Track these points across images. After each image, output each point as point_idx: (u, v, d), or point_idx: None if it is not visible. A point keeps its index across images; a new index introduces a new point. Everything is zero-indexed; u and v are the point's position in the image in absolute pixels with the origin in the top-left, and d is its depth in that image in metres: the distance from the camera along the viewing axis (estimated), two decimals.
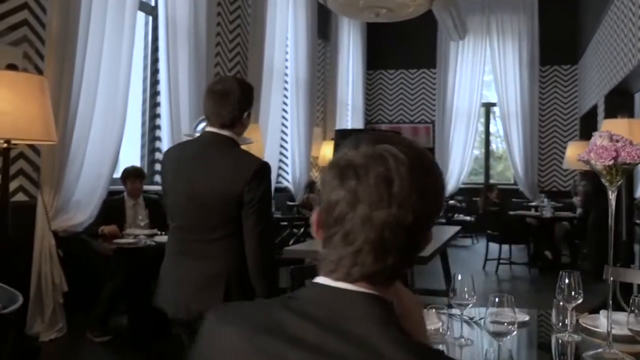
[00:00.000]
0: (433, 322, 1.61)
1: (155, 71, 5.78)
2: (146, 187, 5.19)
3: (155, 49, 5.72)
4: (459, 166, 10.90)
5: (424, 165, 0.83)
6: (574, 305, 1.59)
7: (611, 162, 1.33)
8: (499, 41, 10.61)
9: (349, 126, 10.23)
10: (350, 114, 10.57)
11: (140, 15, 5.77)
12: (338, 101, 9.71)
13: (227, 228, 2.15)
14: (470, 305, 1.55)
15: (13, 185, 4.11)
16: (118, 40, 4.70)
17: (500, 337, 1.38)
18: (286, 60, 7.88)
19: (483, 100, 11.14)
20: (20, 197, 4.19)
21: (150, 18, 5.84)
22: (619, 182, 1.41)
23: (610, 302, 1.47)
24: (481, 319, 1.95)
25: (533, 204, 8.92)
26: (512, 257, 7.28)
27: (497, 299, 1.35)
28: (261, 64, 6.94)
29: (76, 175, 4.42)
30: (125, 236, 4.19)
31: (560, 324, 1.65)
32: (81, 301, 4.28)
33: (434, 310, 1.60)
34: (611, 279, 1.48)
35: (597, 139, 1.37)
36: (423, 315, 1.03)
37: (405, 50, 11.09)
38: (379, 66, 11.42)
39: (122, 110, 4.78)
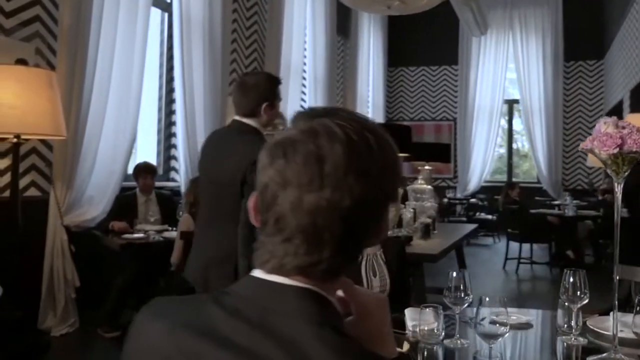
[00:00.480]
0: (428, 322, 1.51)
1: (170, 68, 5.75)
2: (161, 184, 5.17)
3: (171, 46, 5.69)
4: (481, 164, 10.70)
5: (367, 141, 0.72)
6: (579, 305, 1.48)
7: (616, 151, 1.21)
8: (522, 36, 10.37)
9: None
10: (370, 111, 10.44)
11: (157, 12, 5.75)
12: (358, 98, 9.59)
13: (237, 212, 2.25)
14: (466, 304, 1.44)
15: (26, 180, 4.12)
16: (131, 35, 4.68)
17: (491, 339, 1.27)
18: (304, 57, 7.80)
19: (506, 97, 10.92)
20: (32, 192, 4.19)
21: (166, 15, 5.81)
22: (626, 173, 1.29)
23: (616, 302, 1.35)
24: (483, 319, 1.84)
25: (557, 202, 8.70)
26: (534, 256, 7.08)
27: (487, 299, 1.24)
28: (278, 61, 6.87)
29: (89, 171, 4.40)
30: (136, 232, 4.16)
31: (565, 325, 1.53)
32: (93, 296, 4.26)
33: (428, 309, 1.50)
34: (617, 278, 1.36)
35: (602, 126, 1.25)
36: (387, 316, 0.93)
37: (427, 47, 10.92)
38: (400, 63, 11.26)
39: (135, 106, 4.75)
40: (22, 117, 3.32)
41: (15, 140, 3.47)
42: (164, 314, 0.74)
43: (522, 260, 6.91)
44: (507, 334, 1.27)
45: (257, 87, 2.47)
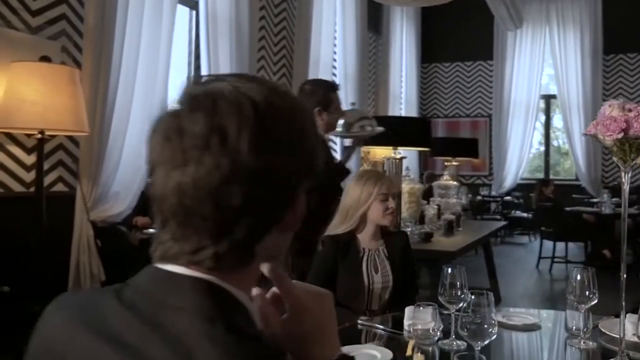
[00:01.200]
0: (425, 321, 1.41)
1: (198, 67, 5.74)
2: None
3: (198, 44, 5.68)
4: (517, 161, 10.40)
5: (243, 109, 0.63)
6: (587, 306, 1.35)
7: (620, 136, 1.08)
8: (559, 30, 10.02)
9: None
10: (403, 107, 10.28)
11: (185, 10, 5.76)
12: (390, 95, 9.45)
13: None
14: (463, 303, 1.33)
15: (53, 176, 4.16)
16: (156, 33, 4.67)
17: (476, 340, 1.16)
18: (334, 53, 7.71)
19: (543, 93, 10.59)
20: (60, 187, 4.23)
21: (194, 13, 5.80)
22: (634, 161, 1.15)
23: (623, 303, 1.22)
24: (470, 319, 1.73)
25: (595, 200, 8.37)
26: (569, 255, 6.82)
27: (473, 297, 1.13)
28: (307, 58, 6.81)
29: (114, 167, 4.41)
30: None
31: (574, 327, 1.40)
32: None
33: (425, 308, 1.40)
34: (624, 276, 1.23)
35: (607, 109, 1.12)
36: (328, 314, 0.84)
37: (461, 42, 10.68)
38: (434, 59, 11.05)
39: (160, 104, 4.75)
40: (44, 114, 3.33)
41: (39, 136, 3.50)
42: (66, 306, 0.69)
43: (556, 260, 6.66)
44: (495, 336, 1.15)
45: (311, 93, 2.72)
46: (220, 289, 0.65)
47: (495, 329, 1.16)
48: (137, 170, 4.60)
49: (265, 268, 0.79)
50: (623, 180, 1.18)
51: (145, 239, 3.99)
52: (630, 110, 1.10)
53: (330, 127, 2.73)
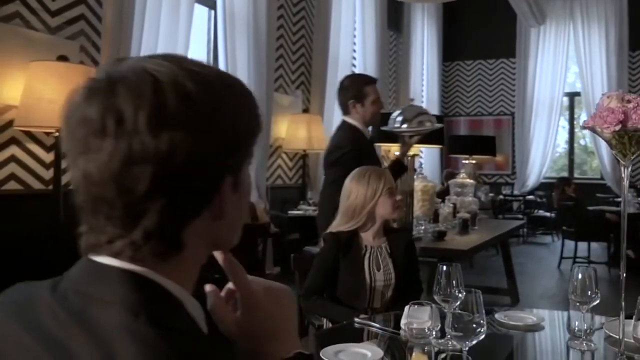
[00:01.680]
0: (422, 320, 1.36)
1: (217, 65, 5.75)
2: None
3: (217, 44, 5.69)
4: (540, 159, 10.21)
5: (142, 88, 0.59)
6: (589, 306, 1.29)
7: (618, 128, 1.03)
8: (583, 26, 9.79)
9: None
10: (424, 106, 10.17)
11: (204, 9, 5.78)
12: (411, 94, 9.35)
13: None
14: (458, 302, 1.28)
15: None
16: (174, 32, 4.70)
17: (463, 340, 1.11)
18: (354, 52, 7.66)
19: (567, 90, 10.37)
20: None
21: (213, 12, 5.81)
22: (635, 155, 1.10)
23: (623, 304, 1.16)
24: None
25: (620, 199, 8.17)
26: (591, 255, 6.66)
27: (461, 294, 1.09)
28: (326, 56, 6.78)
29: None
30: None
31: (577, 328, 1.34)
32: None
33: (423, 306, 1.35)
34: (624, 275, 1.17)
35: (605, 100, 1.07)
36: (285, 310, 0.81)
37: (483, 39, 10.52)
38: (456, 57, 10.91)
39: None
40: (59, 111, 3.37)
41: (57, 134, 3.54)
42: (5, 301, 0.66)
43: (578, 260, 6.51)
44: (482, 336, 1.11)
45: (346, 87, 2.91)
46: (148, 281, 0.61)
47: (483, 329, 1.11)
48: None
49: (219, 258, 0.77)
50: (623, 175, 1.12)
51: None
52: (629, 102, 1.04)
53: (368, 120, 2.81)
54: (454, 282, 1.31)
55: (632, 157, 1.10)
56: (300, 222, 5.33)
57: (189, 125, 0.60)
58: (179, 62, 0.64)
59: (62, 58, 3.73)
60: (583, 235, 6.49)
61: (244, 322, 0.77)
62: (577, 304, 1.31)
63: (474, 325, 1.10)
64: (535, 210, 9.47)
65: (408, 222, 3.12)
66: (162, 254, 0.62)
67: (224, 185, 0.64)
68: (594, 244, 6.81)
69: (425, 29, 9.95)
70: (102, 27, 4.28)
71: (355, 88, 2.82)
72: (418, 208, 3.35)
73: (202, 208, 0.64)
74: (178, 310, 0.63)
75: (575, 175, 10.41)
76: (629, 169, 1.12)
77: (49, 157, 3.92)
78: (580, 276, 1.29)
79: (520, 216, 8.94)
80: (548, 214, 9.08)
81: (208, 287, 0.79)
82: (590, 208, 7.04)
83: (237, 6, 5.48)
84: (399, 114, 3.10)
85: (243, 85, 0.70)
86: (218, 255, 0.76)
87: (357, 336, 1.60)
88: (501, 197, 9.48)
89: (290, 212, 5.81)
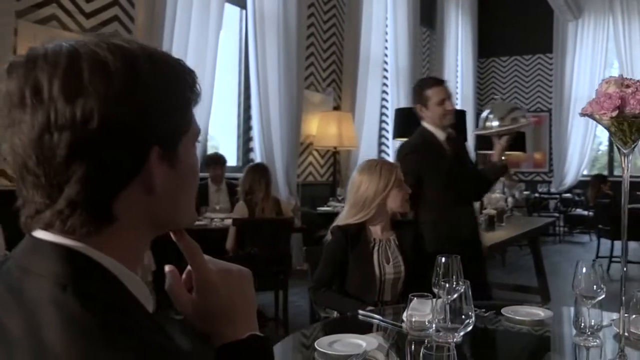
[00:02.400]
0: (424, 312, 1.34)
1: (247, 64, 5.79)
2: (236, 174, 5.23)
3: (248, 42, 5.73)
4: (578, 156, 9.92)
5: (51, 60, 0.61)
6: (594, 302, 1.24)
7: (615, 114, 0.98)
8: (623, 19, 9.45)
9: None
10: (459, 103, 10.01)
11: (235, 9, 5.83)
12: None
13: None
14: (456, 294, 1.25)
15: None
16: (204, 32, 4.75)
17: (450, 332, 1.08)
18: (385, 49, 7.60)
19: None
20: None
21: (244, 12, 5.86)
22: (636, 143, 1.04)
23: (622, 298, 1.11)
24: (485, 312, 1.63)
25: None
26: (629, 255, 6.40)
27: (447, 285, 1.06)
28: (357, 53, 6.75)
29: None
30: (203, 219, 4.22)
31: (582, 324, 1.29)
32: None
33: (427, 299, 1.33)
34: (625, 269, 1.11)
35: (603, 86, 1.02)
36: (242, 293, 0.80)
37: (519, 35, 10.28)
38: (491, 54, 10.70)
39: (207, 100, 4.82)
40: None
41: None
42: None
43: (614, 259, 6.29)
44: (470, 327, 1.07)
45: (413, 92, 2.92)
46: (79, 254, 0.62)
47: (471, 320, 1.08)
48: None
49: (174, 238, 0.77)
50: (623, 165, 1.07)
51: (187, 230, 4.05)
52: (628, 87, 0.99)
53: (438, 122, 2.77)
54: (452, 274, 1.28)
55: (633, 145, 1.04)
56: (330, 219, 5.30)
57: (103, 93, 0.60)
58: (105, 38, 0.65)
59: None
60: (619, 234, 6.24)
61: (199, 302, 0.77)
62: (584, 299, 1.26)
63: (463, 317, 1.07)
64: (573, 209, 9.20)
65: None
66: (92, 224, 0.62)
67: (150, 156, 0.64)
68: (632, 243, 6.57)
69: (460, 25, 9.78)
70: (135, 27, 4.37)
71: (419, 92, 2.83)
72: None
73: (128, 179, 0.64)
74: (110, 284, 0.63)
75: (617, 173, 10.07)
76: (630, 158, 1.07)
77: None
78: (584, 270, 1.24)
79: (556, 214, 8.71)
80: (585, 213, 8.81)
81: (167, 268, 0.79)
82: (629, 206, 6.78)
83: (267, 5, 5.50)
84: (489, 113, 2.88)
85: (174, 62, 0.70)
86: (172, 235, 0.76)
87: (360, 328, 1.57)
88: (536, 195, 9.25)
89: (319, 208, 5.81)
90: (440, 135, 2.80)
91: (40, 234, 0.63)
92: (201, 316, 0.77)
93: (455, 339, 1.12)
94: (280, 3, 5.57)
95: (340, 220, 2.21)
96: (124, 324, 0.58)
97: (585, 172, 10.03)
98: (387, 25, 7.59)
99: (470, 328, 1.11)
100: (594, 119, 1.06)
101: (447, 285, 1.25)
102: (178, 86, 0.68)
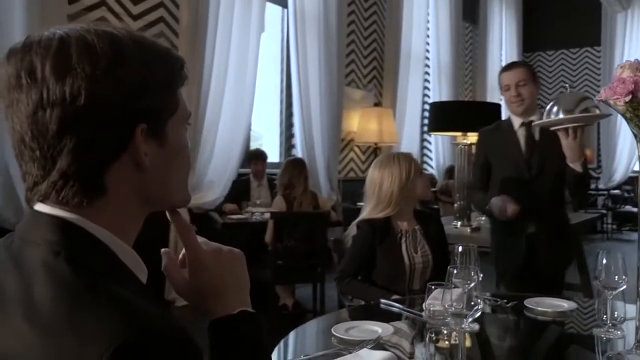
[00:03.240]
0: (443, 301, 1.33)
1: (289, 63, 5.83)
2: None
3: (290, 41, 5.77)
4: (628, 152, 9.54)
5: (44, 45, 0.66)
6: (615, 293, 1.20)
7: (628, 99, 0.95)
8: None
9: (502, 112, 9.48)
10: (504, 99, 9.78)
11: (277, 8, 5.88)
12: (489, 87, 9.03)
13: None
14: (473, 284, 1.23)
15: None
16: (245, 31, 4.82)
17: (459, 318, 1.07)
18: (427, 45, 7.50)
19: None
20: None
21: (286, 11, 5.90)
22: None
23: (638, 290, 1.07)
24: (507, 302, 1.60)
25: None
26: None
27: (454, 270, 1.05)
28: (398, 49, 6.70)
29: (208, 158, 4.61)
30: (244, 213, 4.30)
31: (603, 316, 1.26)
32: None
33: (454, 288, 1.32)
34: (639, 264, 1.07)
35: (618, 71, 0.98)
36: (232, 274, 0.82)
37: (566, 28, 9.95)
38: (537, 48, 10.40)
39: (249, 98, 4.89)
40: None
41: None
42: None
43: None
44: (478, 314, 1.06)
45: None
46: (72, 225, 0.66)
47: (480, 306, 1.06)
48: (229, 161, 4.78)
49: (169, 218, 0.80)
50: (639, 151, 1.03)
51: (229, 223, 4.13)
52: None
53: (509, 108, 2.66)
54: (470, 263, 1.27)
55: None
56: None
57: (90, 73, 0.65)
58: (95, 25, 0.70)
59: None
60: None
61: (191, 281, 0.80)
62: (605, 290, 1.22)
63: (472, 303, 1.06)
64: (622, 206, 8.86)
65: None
66: (84, 195, 0.67)
67: (136, 133, 0.68)
68: None
69: (504, 19, 9.56)
70: (180, 28, 4.47)
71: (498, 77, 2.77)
72: None
73: (116, 153, 0.68)
74: (101, 253, 0.67)
75: None
76: None
77: None
78: (605, 261, 1.21)
79: (603, 211, 8.41)
80: (635, 210, 8.48)
81: (163, 250, 0.82)
82: None
83: (308, 4, 5.53)
84: (554, 104, 2.37)
85: (160, 47, 0.74)
86: (168, 215, 0.79)
87: (388, 317, 1.57)
88: None
89: (359, 203, 5.80)
90: (516, 122, 2.63)
91: (39, 206, 0.69)
92: (194, 294, 0.81)
93: (464, 325, 1.11)
94: (321, 1, 5.58)
95: (365, 215, 2.21)
96: (111, 288, 0.62)
97: (635, 168, 9.63)
98: (428, 21, 7.50)
99: (478, 314, 1.10)
100: (609, 104, 1.03)
101: (465, 273, 1.24)
102: (163, 68, 0.72)
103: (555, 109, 2.35)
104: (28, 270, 0.62)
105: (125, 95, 0.67)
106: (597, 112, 2.33)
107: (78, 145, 0.65)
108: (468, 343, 1.34)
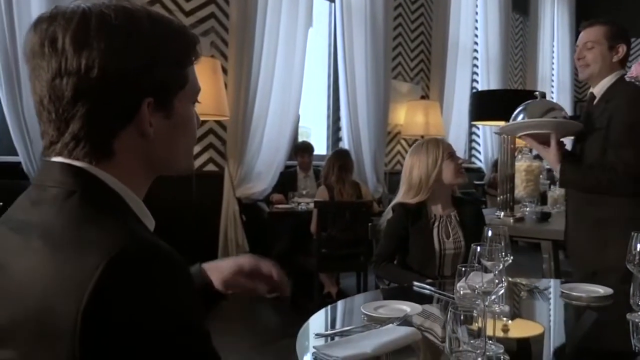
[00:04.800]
0: (476, 283, 1.32)
1: (336, 57, 5.84)
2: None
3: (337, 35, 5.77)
4: None
5: (67, 17, 0.72)
6: None
7: None
8: None
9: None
10: (555, 92, 9.49)
11: (325, 3, 5.89)
12: (539, 79, 8.78)
13: None
14: (501, 266, 1.22)
15: (204, 157, 4.54)
16: (293, 26, 4.85)
17: (484, 295, 1.06)
18: (475, 36, 7.35)
19: None
20: (210, 167, 4.59)
21: (333, 5, 5.90)
22: None
23: None
24: (544, 289, 1.56)
25: None
26: None
27: (478, 248, 1.03)
28: (445, 42, 6.60)
29: (257, 149, 4.69)
30: (290, 203, 4.35)
31: (638, 300, 1.22)
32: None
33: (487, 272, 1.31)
34: None
35: None
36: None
37: (622, 17, 9.46)
38: None
39: (297, 91, 4.94)
40: None
41: None
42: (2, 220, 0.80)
43: None
44: (501, 291, 1.04)
45: None
46: (88, 173, 0.73)
47: (503, 285, 1.05)
48: (277, 152, 4.84)
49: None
50: None
51: (275, 213, 4.19)
52: None
53: (579, 75, 2.27)
54: (501, 246, 1.25)
55: None
56: None
57: (104, 47, 0.71)
58: (116, 2, 0.75)
59: None
60: None
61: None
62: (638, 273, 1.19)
63: (497, 281, 1.05)
64: None
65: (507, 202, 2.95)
66: (93, 157, 0.74)
67: (142, 105, 0.74)
68: None
69: (556, 10, 9.24)
70: (229, 23, 4.56)
71: None
72: (522, 188, 3.16)
73: (124, 122, 0.74)
74: (111, 196, 0.74)
75: None
76: None
77: None
78: (639, 245, 1.16)
79: None
80: None
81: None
82: None
83: None
84: (519, 112, 2.26)
85: (175, 25, 0.80)
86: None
87: (420, 300, 1.56)
88: None
89: None
90: (591, 96, 2.25)
91: (55, 158, 0.76)
92: None
93: (486, 302, 1.10)
94: None
95: (399, 199, 2.21)
96: (117, 217, 0.70)
97: None
98: (477, 13, 7.34)
99: (501, 292, 1.09)
100: (638, 80, 1.00)
101: (496, 255, 1.22)
102: (174, 46, 0.77)
103: (520, 117, 2.23)
104: (47, 207, 0.70)
105: (135, 70, 0.72)
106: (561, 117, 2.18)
107: (89, 112, 0.72)
108: (499, 326, 1.33)
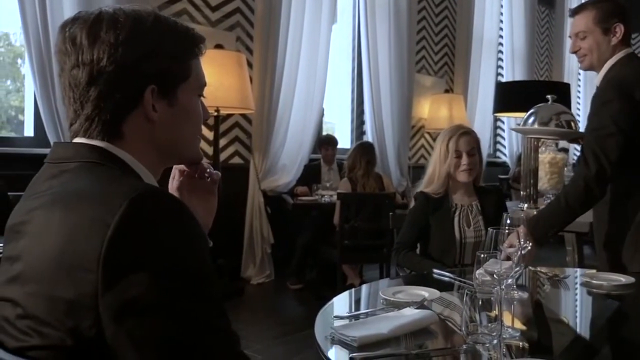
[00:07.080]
0: (494, 269, 1.31)
1: (360, 50, 5.82)
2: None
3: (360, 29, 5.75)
4: None
5: (85, 19, 0.84)
6: None
7: None
8: None
9: (581, 98, 9.01)
10: (582, 85, 9.30)
11: None
12: (566, 72, 8.61)
13: None
14: (521, 251, 1.21)
15: (230, 150, 4.58)
16: (317, 20, 4.86)
17: (500, 279, 1.05)
18: (500, 29, 7.25)
19: None
20: (236, 160, 4.64)
21: (357, 0, 5.88)
22: None
23: None
24: (565, 277, 1.55)
25: None
26: None
27: (493, 231, 1.03)
28: (470, 35, 6.53)
29: (281, 143, 4.72)
30: (314, 195, 4.37)
31: None
32: (285, 252, 4.56)
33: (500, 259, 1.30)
34: None
35: None
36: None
37: None
38: None
39: (321, 84, 4.95)
40: (216, 93, 3.69)
41: (215, 113, 3.89)
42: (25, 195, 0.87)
43: None
44: (517, 277, 1.03)
45: None
46: (100, 148, 0.83)
47: (518, 270, 1.04)
48: (301, 146, 4.86)
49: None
50: None
51: (300, 205, 4.21)
52: None
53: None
54: (520, 230, 1.24)
55: None
56: None
57: (112, 41, 0.82)
58: (129, 6, 0.86)
59: (218, 46, 4.07)
60: None
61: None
62: None
63: (510, 268, 1.05)
64: None
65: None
66: (105, 136, 0.84)
67: (146, 92, 0.84)
68: None
69: (582, 1, 9.03)
70: (255, 17, 4.58)
71: None
72: (546, 181, 3.11)
73: (130, 107, 0.84)
74: (127, 169, 0.84)
75: None
76: None
77: (211, 136, 4.23)
78: None
79: None
80: None
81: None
82: None
83: None
84: (530, 115, 2.26)
85: (179, 26, 0.90)
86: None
87: (440, 287, 1.56)
88: None
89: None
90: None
91: (77, 139, 0.86)
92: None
93: (503, 286, 1.10)
94: None
95: (422, 187, 2.20)
96: (137, 181, 0.82)
97: None
98: (501, 7, 7.24)
99: (517, 276, 1.08)
100: None
101: (516, 242, 1.22)
102: (174, 42, 0.87)
103: (531, 120, 2.23)
104: (69, 175, 0.79)
105: (137, 60, 0.83)
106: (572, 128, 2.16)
107: (99, 95, 0.82)
108: (518, 314, 1.32)
